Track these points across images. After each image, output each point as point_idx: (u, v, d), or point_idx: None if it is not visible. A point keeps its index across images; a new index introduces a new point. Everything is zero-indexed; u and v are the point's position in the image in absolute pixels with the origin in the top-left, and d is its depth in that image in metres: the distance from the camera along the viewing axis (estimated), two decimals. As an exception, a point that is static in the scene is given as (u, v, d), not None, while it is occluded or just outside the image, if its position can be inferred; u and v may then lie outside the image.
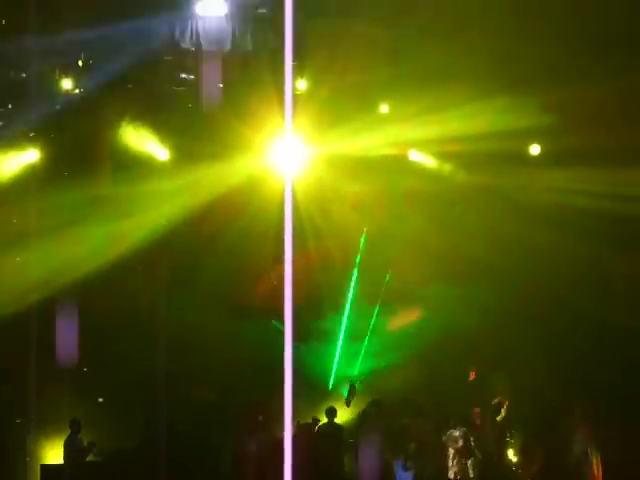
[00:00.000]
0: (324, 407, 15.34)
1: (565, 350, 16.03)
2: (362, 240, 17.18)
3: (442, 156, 17.08)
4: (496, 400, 15.37)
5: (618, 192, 15.39)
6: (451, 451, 13.78)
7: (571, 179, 15.69)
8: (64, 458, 14.51)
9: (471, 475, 13.74)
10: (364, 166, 16.02)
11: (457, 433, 13.77)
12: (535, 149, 16.99)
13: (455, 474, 13.79)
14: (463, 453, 13.72)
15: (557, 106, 14.79)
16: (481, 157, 16.38)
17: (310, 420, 15.34)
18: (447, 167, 17.27)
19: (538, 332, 16.35)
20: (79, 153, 15.18)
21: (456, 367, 16.47)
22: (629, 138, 15.15)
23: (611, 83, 14.23)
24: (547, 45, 14.49)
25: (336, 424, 15.14)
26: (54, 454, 15.03)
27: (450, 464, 13.78)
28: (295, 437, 13.02)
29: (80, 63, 14.92)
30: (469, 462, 13.76)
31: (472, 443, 13.76)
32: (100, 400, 15.62)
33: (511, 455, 15.13)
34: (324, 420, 15.18)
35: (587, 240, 15.86)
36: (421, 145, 16.70)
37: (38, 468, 14.50)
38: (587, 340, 15.81)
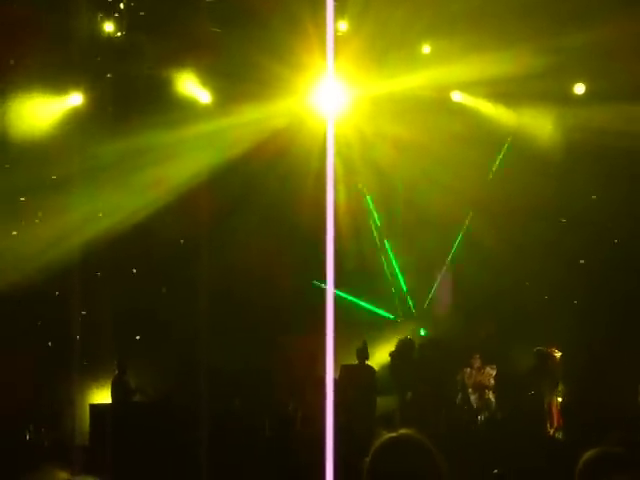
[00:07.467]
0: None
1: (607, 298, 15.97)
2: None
3: (485, 97, 16.86)
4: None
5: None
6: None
7: (616, 119, 15.38)
8: (112, 398, 14.79)
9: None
10: (406, 108, 15.87)
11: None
12: (580, 89, 16.68)
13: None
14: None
15: (602, 44, 14.47)
16: (525, 98, 16.16)
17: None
18: (491, 109, 17.06)
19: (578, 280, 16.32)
20: (121, 97, 15.21)
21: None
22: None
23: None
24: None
25: (367, 366, 14.34)
26: (103, 394, 15.35)
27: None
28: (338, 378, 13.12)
29: (122, 6, 14.87)
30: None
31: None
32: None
33: None
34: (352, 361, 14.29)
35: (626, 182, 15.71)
36: (465, 87, 16.49)
37: (87, 407, 14.80)
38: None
